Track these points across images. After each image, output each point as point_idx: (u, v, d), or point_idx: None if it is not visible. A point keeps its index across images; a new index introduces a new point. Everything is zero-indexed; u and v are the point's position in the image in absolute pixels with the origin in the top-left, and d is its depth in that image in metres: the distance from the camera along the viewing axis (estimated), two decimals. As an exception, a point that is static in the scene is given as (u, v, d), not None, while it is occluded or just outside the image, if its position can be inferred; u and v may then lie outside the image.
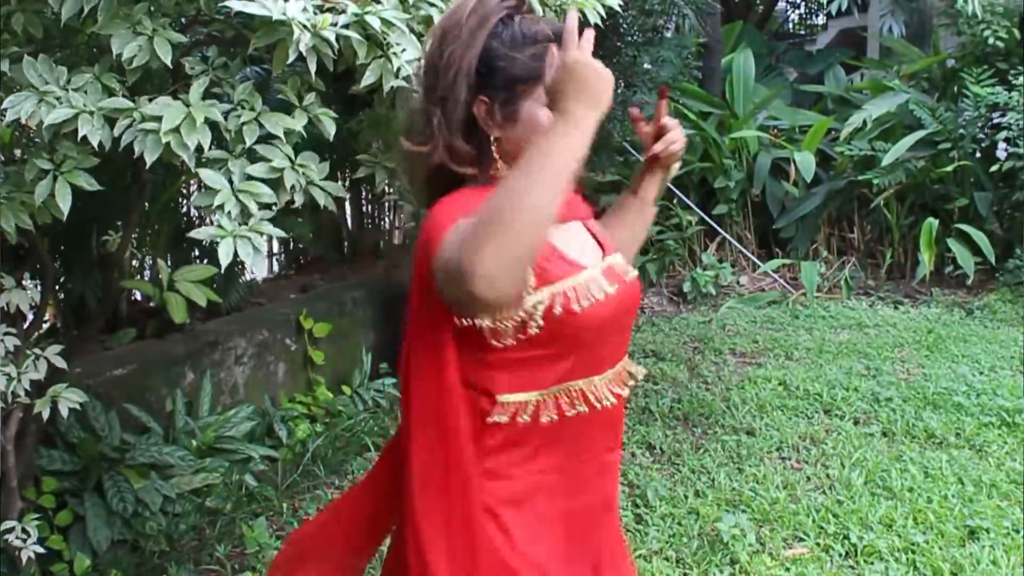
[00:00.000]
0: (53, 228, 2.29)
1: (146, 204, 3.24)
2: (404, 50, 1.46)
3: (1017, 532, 2.70)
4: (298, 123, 1.51)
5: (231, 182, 1.43)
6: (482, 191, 1.06)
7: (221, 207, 1.39)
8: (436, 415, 1.11)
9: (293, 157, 1.50)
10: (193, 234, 1.42)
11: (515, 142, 1.14)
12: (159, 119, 1.39)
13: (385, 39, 1.44)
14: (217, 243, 1.38)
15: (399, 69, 1.46)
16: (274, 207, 1.47)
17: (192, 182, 3.78)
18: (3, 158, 1.98)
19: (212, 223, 1.42)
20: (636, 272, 1.23)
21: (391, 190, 5.25)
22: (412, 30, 1.50)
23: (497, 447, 1.13)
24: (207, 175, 1.42)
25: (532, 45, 1.14)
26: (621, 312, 1.18)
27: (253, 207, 1.41)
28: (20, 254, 2.40)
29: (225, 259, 1.36)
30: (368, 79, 1.45)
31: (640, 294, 1.24)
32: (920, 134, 5.83)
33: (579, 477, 1.20)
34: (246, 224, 1.40)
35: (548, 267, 1.11)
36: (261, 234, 1.41)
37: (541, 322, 1.09)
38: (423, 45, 1.48)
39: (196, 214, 3.99)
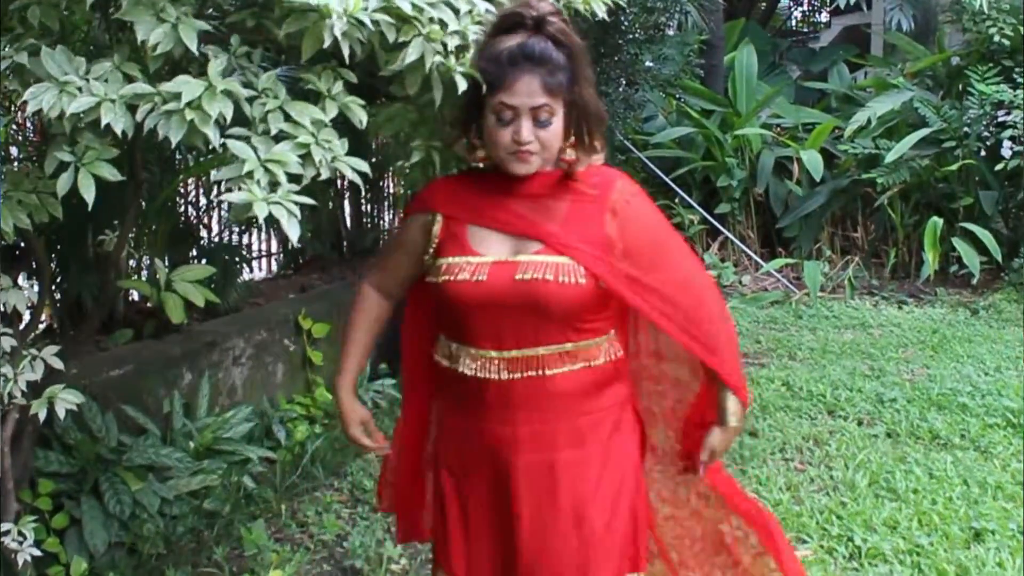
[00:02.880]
0: (50, 228, 2.28)
1: (143, 203, 3.22)
2: (442, 25, 1.47)
3: (1022, 534, 2.68)
4: (328, 113, 1.52)
5: (257, 155, 1.44)
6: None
7: (250, 175, 1.40)
8: None
9: (317, 135, 1.50)
10: (225, 197, 1.43)
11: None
12: (179, 97, 1.40)
13: (418, 21, 1.45)
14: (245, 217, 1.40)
15: (445, 45, 1.46)
16: (301, 180, 1.48)
17: (191, 180, 3.76)
18: (1, 157, 1.97)
19: (214, 218, 1.43)
20: (537, 275, 1.40)
21: (393, 189, 5.24)
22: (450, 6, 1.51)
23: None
24: (235, 145, 1.43)
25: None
26: (499, 299, 1.41)
27: (282, 177, 1.42)
28: (16, 254, 2.39)
29: (261, 217, 1.39)
30: (411, 56, 1.46)
31: (541, 294, 1.40)
32: (924, 132, 5.80)
33: (470, 433, 1.49)
34: (275, 194, 1.41)
35: (446, 244, 1.47)
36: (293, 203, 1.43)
37: (431, 281, 1.48)
38: (460, 20, 1.53)
39: (194, 213, 3.97)
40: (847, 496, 2.96)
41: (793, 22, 12.17)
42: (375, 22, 1.42)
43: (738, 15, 7.90)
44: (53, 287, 3.10)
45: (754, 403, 3.83)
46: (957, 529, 2.71)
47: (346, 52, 1.42)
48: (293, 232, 1.40)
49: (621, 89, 4.35)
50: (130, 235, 3.17)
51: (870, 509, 2.85)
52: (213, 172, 1.49)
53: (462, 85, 1.47)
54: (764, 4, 9.73)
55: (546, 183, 1.45)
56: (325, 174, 1.49)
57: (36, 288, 2.28)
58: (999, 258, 5.53)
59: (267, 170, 1.42)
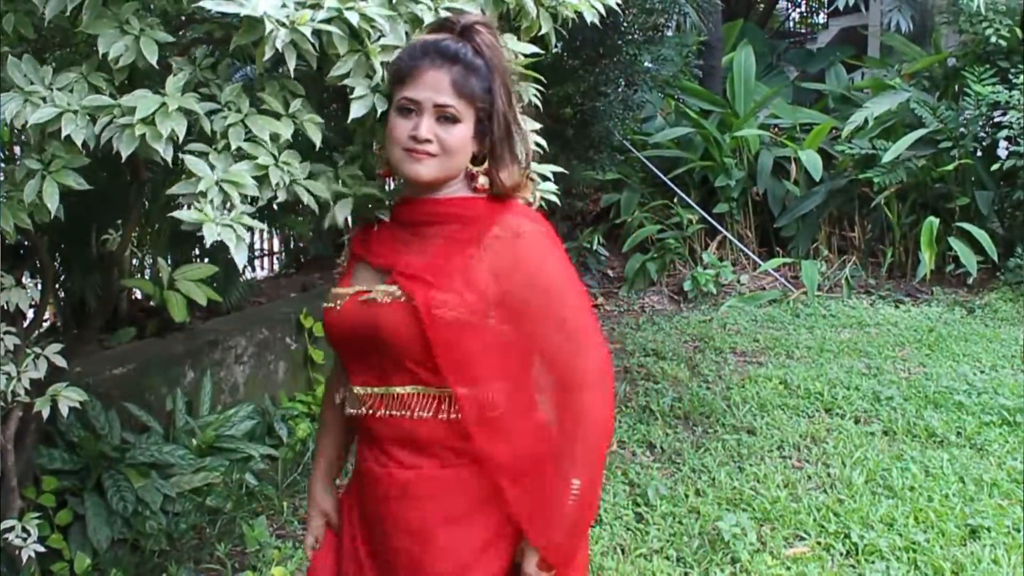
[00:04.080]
0: (52, 227, 2.29)
1: (146, 203, 3.24)
2: (381, 37, 1.44)
3: (1018, 531, 2.70)
4: (286, 131, 1.50)
5: (215, 173, 1.42)
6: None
7: (203, 194, 1.37)
8: None
9: (277, 155, 1.48)
10: (176, 214, 1.38)
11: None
12: (135, 111, 1.39)
13: (365, 35, 1.43)
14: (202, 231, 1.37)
15: (375, 68, 1.44)
16: (257, 202, 1.46)
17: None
18: (3, 156, 1.98)
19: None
20: (375, 300, 1.30)
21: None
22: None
23: None
24: (191, 161, 1.41)
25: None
26: (353, 330, 1.32)
27: (236, 198, 1.39)
28: (20, 253, 2.40)
29: (209, 239, 1.35)
30: (339, 70, 1.43)
31: (379, 323, 1.27)
32: (921, 133, 5.82)
33: (360, 471, 1.38)
34: (228, 214, 1.38)
35: (339, 280, 1.40)
36: (245, 226, 1.38)
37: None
38: (407, 38, 1.47)
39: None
40: (844, 493, 2.98)
41: (791, 23, 12.20)
42: (327, 33, 1.38)
43: (736, 16, 7.92)
44: (57, 286, 3.12)
45: (752, 401, 3.85)
46: (953, 526, 2.73)
47: (291, 64, 1.39)
48: (240, 257, 1.36)
49: (620, 90, 4.37)
50: (133, 234, 3.19)
51: (867, 506, 2.87)
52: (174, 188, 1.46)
53: (356, 111, 1.40)
54: (762, 5, 9.76)
55: (435, 210, 1.32)
56: (282, 197, 1.46)
57: (39, 287, 2.29)
58: (995, 257, 5.55)
59: (222, 190, 1.39)
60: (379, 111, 1.41)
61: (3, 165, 1.83)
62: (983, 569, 2.50)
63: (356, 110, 1.40)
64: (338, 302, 1.35)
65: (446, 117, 1.27)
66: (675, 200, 6.22)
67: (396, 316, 1.26)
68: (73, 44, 1.84)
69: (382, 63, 1.42)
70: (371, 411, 1.32)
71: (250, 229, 1.39)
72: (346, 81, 1.42)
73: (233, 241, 1.36)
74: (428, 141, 1.26)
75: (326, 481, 1.49)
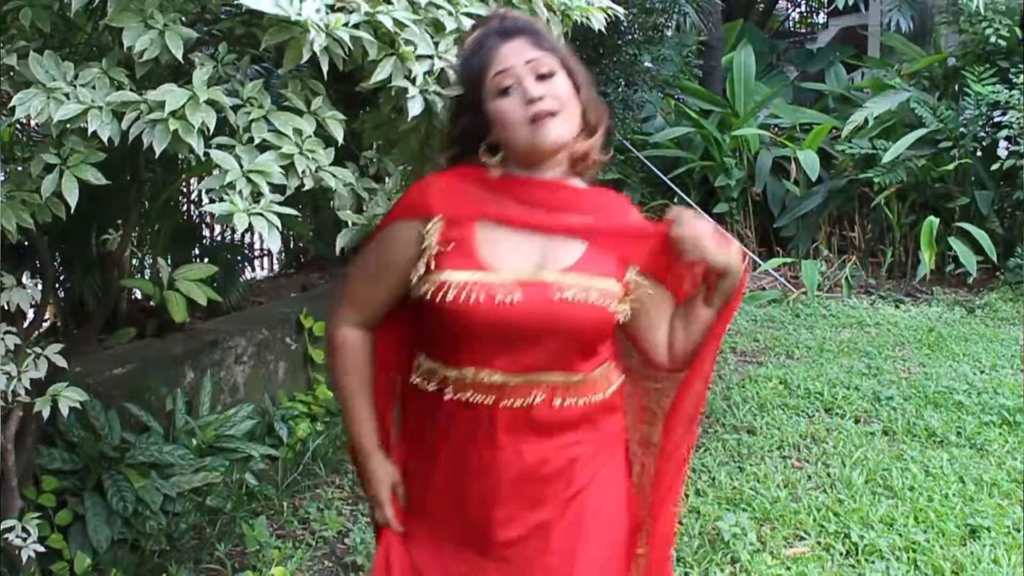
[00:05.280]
0: (53, 227, 2.29)
1: (146, 203, 3.24)
2: (415, 47, 1.46)
3: (1018, 531, 2.70)
4: (308, 127, 1.52)
5: (240, 165, 1.44)
6: None
7: (232, 185, 1.39)
8: None
9: (301, 145, 1.50)
10: (207, 208, 1.43)
11: None
12: (163, 106, 1.40)
13: (397, 38, 1.44)
14: (232, 223, 1.40)
15: (411, 70, 1.46)
16: (285, 191, 1.48)
17: (193, 180, 3.78)
18: (3, 157, 1.98)
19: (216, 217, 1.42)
20: (577, 294, 1.25)
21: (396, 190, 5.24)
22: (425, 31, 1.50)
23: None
24: (218, 155, 1.43)
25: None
26: (532, 324, 1.23)
27: (264, 187, 1.42)
28: (20, 253, 2.40)
29: (241, 229, 1.39)
30: (379, 75, 1.45)
31: (580, 316, 1.26)
32: (921, 132, 5.82)
33: (477, 464, 1.30)
34: (257, 204, 1.40)
35: (447, 255, 1.24)
36: (277, 215, 1.42)
37: (427, 301, 1.24)
38: (435, 47, 1.50)
39: (196, 213, 3.99)
40: (844, 493, 2.98)
41: (790, 23, 12.20)
42: (356, 38, 1.40)
43: (736, 16, 7.92)
44: (57, 286, 3.12)
45: (752, 401, 3.85)
46: (953, 526, 2.72)
47: (324, 67, 1.41)
48: (273, 243, 1.40)
49: (620, 90, 4.37)
50: (133, 234, 3.19)
51: (867, 506, 2.87)
52: (196, 181, 1.50)
53: (414, 109, 1.44)
54: (762, 5, 9.76)
55: (570, 199, 1.30)
56: (309, 184, 1.48)
57: (39, 287, 2.29)
58: (995, 257, 5.55)
59: (250, 181, 1.41)
60: (419, 109, 1.46)
61: (3, 164, 1.83)
62: (983, 569, 2.50)
63: (414, 108, 1.45)
64: (503, 293, 1.21)
65: (541, 73, 1.24)
66: (675, 200, 6.22)
67: (598, 312, 1.27)
68: (76, 44, 1.84)
69: (425, 72, 1.46)
70: (525, 400, 1.25)
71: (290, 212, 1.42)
72: (393, 83, 1.46)
73: (265, 228, 1.39)
74: (543, 98, 1.23)
75: (382, 449, 1.40)
